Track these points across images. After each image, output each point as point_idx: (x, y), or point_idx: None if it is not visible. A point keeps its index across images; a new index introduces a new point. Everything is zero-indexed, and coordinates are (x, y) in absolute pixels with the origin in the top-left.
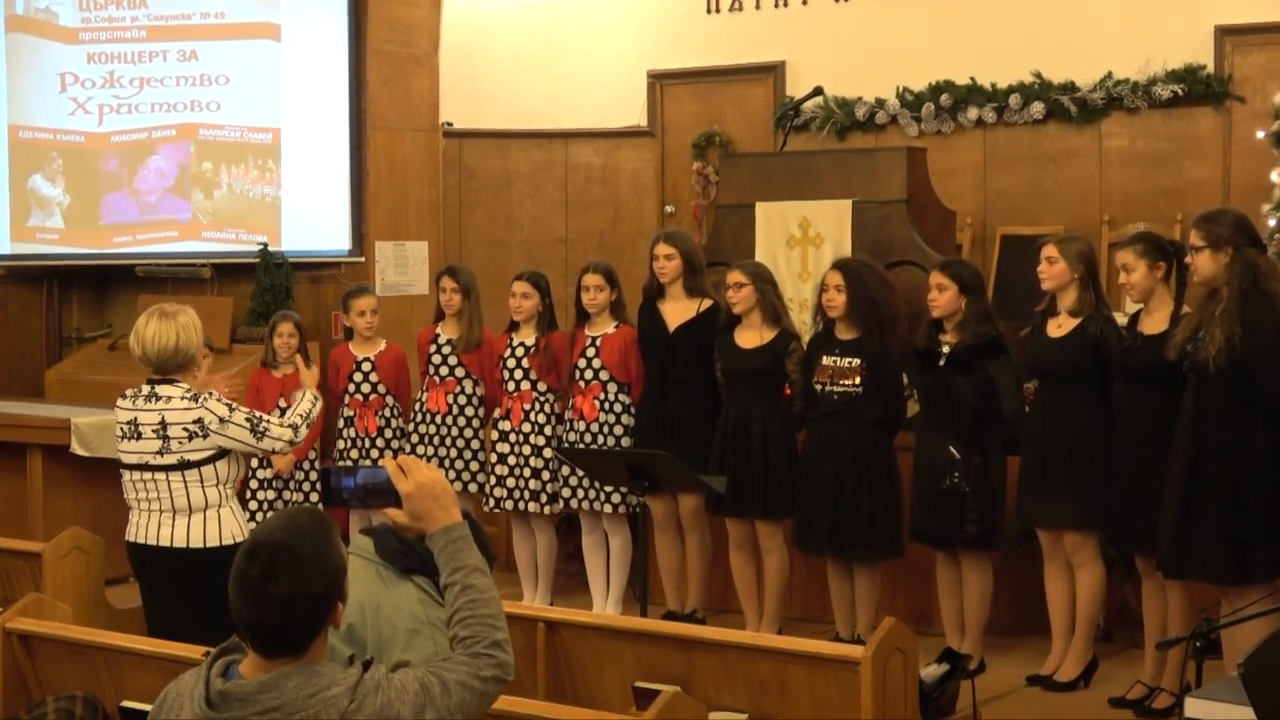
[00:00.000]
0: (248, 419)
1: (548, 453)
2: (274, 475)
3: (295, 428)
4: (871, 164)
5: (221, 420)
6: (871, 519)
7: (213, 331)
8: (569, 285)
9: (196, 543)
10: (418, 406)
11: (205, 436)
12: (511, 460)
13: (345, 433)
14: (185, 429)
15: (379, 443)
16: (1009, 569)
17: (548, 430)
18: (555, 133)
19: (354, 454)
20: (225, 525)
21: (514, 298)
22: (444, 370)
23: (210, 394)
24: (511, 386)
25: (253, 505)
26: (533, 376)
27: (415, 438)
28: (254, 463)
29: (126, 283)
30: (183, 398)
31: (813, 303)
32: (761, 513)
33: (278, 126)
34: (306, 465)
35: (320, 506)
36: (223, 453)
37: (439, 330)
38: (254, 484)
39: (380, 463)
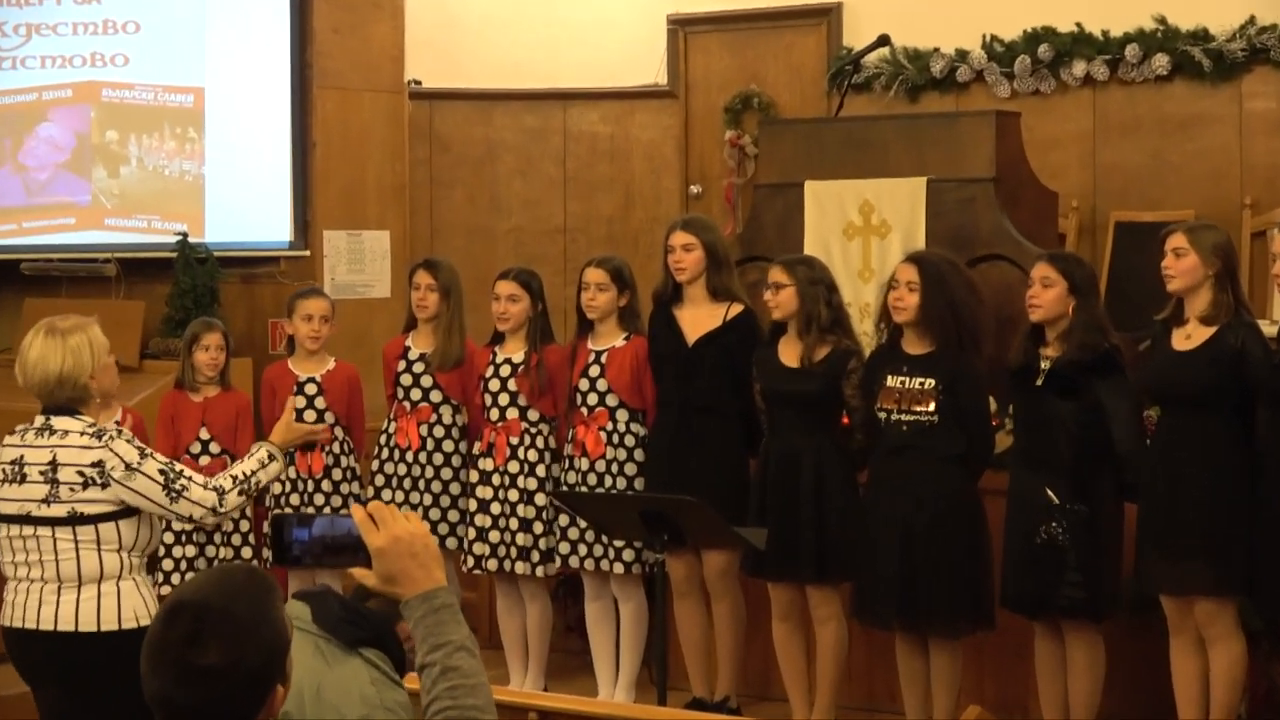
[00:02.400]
0: (162, 470)
1: (541, 499)
2: (193, 526)
3: (222, 492)
4: (951, 133)
5: (128, 467)
6: (951, 582)
7: (118, 343)
8: (569, 285)
9: (88, 625)
10: (383, 440)
11: (104, 486)
12: (495, 508)
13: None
14: (80, 472)
15: (325, 485)
16: (1125, 644)
17: (540, 470)
18: (551, 93)
19: (293, 499)
20: (127, 602)
21: (498, 301)
22: (416, 394)
23: (120, 432)
24: (495, 415)
25: (166, 564)
26: (521, 402)
27: (380, 479)
28: None
29: (10, 283)
30: (83, 433)
31: (876, 308)
32: (813, 574)
33: (200, 86)
34: (236, 513)
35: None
36: (129, 510)
37: (409, 342)
38: (167, 537)
39: (345, 511)
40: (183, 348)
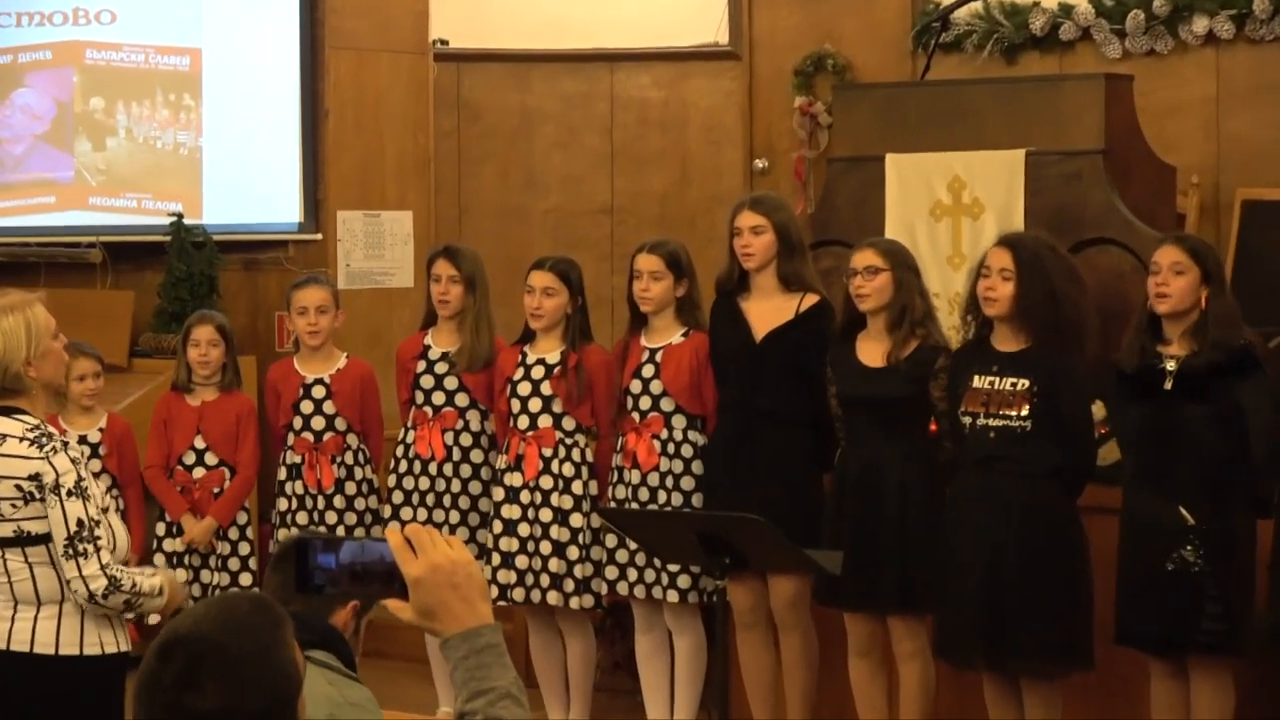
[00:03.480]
0: (81, 521)
1: (577, 519)
2: (188, 548)
3: (116, 586)
4: (1053, 99)
5: (56, 487)
6: (1044, 614)
7: (104, 340)
8: (617, 274)
9: (44, 647)
10: (400, 451)
11: (41, 500)
12: (524, 530)
13: (288, 487)
14: (18, 486)
15: (336, 501)
16: (1256, 683)
17: (577, 487)
18: (596, 54)
19: (300, 517)
20: (91, 626)
21: (531, 294)
22: (439, 397)
23: (66, 445)
24: (524, 422)
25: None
26: (556, 408)
27: (398, 495)
28: (158, 529)
29: None
30: (22, 438)
31: (966, 298)
32: (895, 604)
33: (198, 47)
34: (234, 534)
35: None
36: None
37: (429, 339)
38: (158, 559)
39: (368, 531)
40: (178, 344)
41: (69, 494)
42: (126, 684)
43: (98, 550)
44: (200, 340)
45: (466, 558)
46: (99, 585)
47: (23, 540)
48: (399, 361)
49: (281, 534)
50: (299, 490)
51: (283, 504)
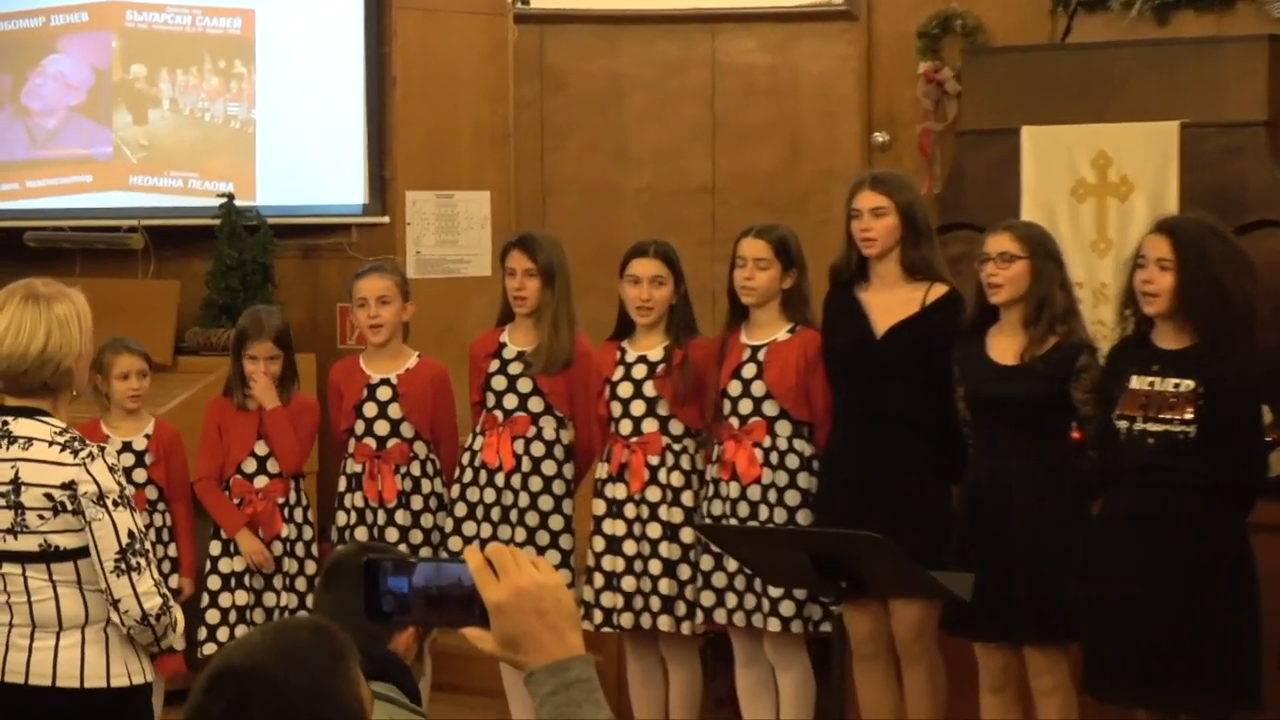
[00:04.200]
0: (132, 533)
1: (688, 535)
2: (246, 568)
3: (168, 603)
4: (1211, 63)
5: (100, 498)
6: (1208, 646)
7: (146, 335)
8: (716, 261)
9: (68, 680)
10: (467, 458)
11: (76, 513)
12: (629, 548)
13: (347, 500)
14: (48, 495)
15: (399, 517)
16: None
17: (687, 498)
18: (694, 14)
19: (359, 533)
20: (117, 654)
21: (637, 285)
22: (511, 401)
23: (100, 448)
24: (627, 428)
25: (211, 615)
26: (662, 411)
27: (461, 508)
28: (213, 547)
29: (10, 257)
30: (52, 443)
31: (1117, 289)
32: (1033, 633)
33: (251, 8)
34: (302, 550)
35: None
36: None
37: (504, 338)
38: (213, 581)
39: (462, 554)
40: (233, 345)
41: (116, 504)
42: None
43: (149, 564)
44: (260, 356)
45: (555, 581)
46: (154, 604)
47: (49, 555)
48: (472, 360)
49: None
50: (358, 503)
51: (341, 518)
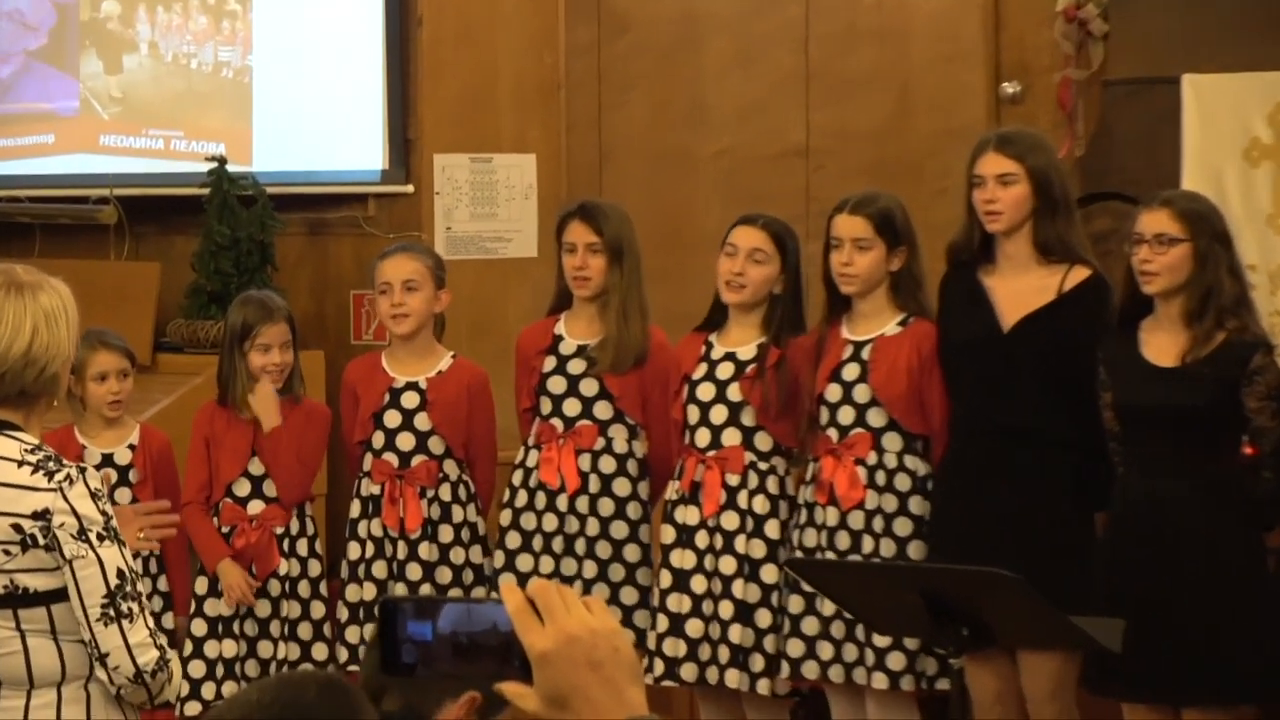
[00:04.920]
0: (122, 573)
1: (772, 573)
2: (237, 612)
3: (164, 658)
4: None
5: (81, 533)
6: None
7: (118, 328)
8: (812, 240)
9: None
10: (518, 478)
11: (50, 549)
12: (698, 585)
13: (361, 528)
14: (16, 526)
15: (423, 550)
16: None
17: (772, 529)
18: None
19: (376, 569)
20: (99, 715)
21: (733, 256)
22: (572, 407)
23: (79, 470)
24: (704, 438)
25: (195, 667)
26: (748, 421)
27: (514, 538)
28: (198, 585)
29: None
30: (23, 462)
31: None
32: (1198, 693)
33: None
34: (305, 589)
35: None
36: None
37: (561, 328)
38: (198, 626)
39: (499, 592)
40: (225, 342)
41: (101, 537)
42: None
43: (143, 610)
44: (273, 344)
45: (612, 626)
46: (149, 659)
47: (15, 599)
48: (520, 357)
49: (350, 591)
50: (375, 531)
51: (354, 550)
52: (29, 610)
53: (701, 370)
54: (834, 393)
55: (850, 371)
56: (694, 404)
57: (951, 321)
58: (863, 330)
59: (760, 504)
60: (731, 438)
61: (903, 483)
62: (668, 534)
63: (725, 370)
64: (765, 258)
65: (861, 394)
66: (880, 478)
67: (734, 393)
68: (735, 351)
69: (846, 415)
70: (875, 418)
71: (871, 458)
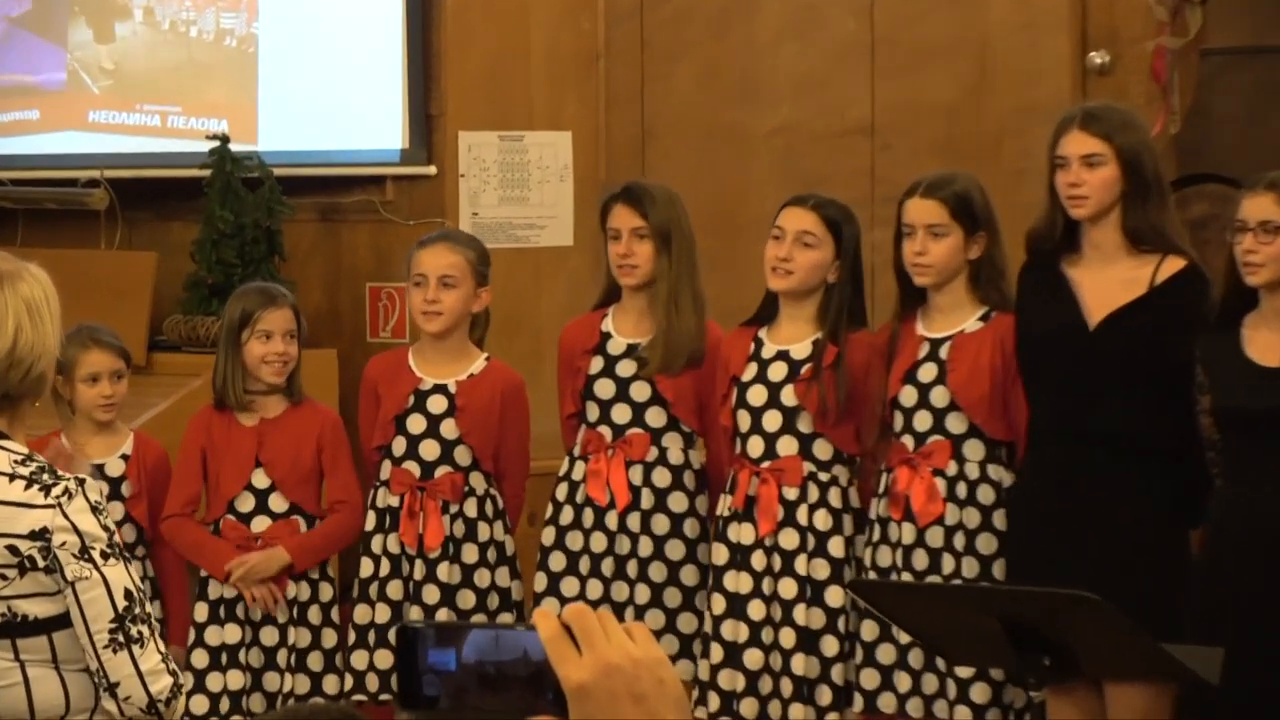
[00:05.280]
0: (129, 593)
1: (837, 595)
2: (242, 640)
3: (178, 684)
4: None
5: (85, 551)
6: None
7: (113, 325)
8: (878, 227)
9: None
10: (562, 492)
11: (50, 571)
12: (755, 611)
13: (375, 543)
14: (11, 548)
15: (443, 572)
16: None
17: (836, 546)
18: None
19: (391, 589)
20: None
21: (779, 240)
22: (621, 413)
23: (78, 482)
24: (757, 448)
25: (198, 704)
26: (804, 427)
27: (556, 560)
28: (198, 612)
29: None
30: (14, 475)
31: None
32: None
33: None
34: (315, 615)
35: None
36: None
37: (608, 324)
38: (199, 658)
39: (532, 618)
40: (223, 335)
41: (106, 555)
42: None
43: (153, 633)
44: (275, 331)
45: (656, 655)
46: (162, 686)
47: (14, 628)
48: (563, 358)
49: (360, 612)
50: (391, 548)
51: (366, 567)
52: (29, 639)
53: (751, 371)
54: (909, 396)
55: (927, 372)
56: (744, 409)
57: (1031, 316)
58: (940, 326)
59: (822, 519)
60: (787, 446)
61: (986, 495)
62: (720, 554)
63: (778, 371)
64: (816, 241)
65: (939, 397)
66: (961, 490)
67: (788, 396)
68: (788, 349)
69: (923, 421)
70: (955, 423)
71: (951, 468)
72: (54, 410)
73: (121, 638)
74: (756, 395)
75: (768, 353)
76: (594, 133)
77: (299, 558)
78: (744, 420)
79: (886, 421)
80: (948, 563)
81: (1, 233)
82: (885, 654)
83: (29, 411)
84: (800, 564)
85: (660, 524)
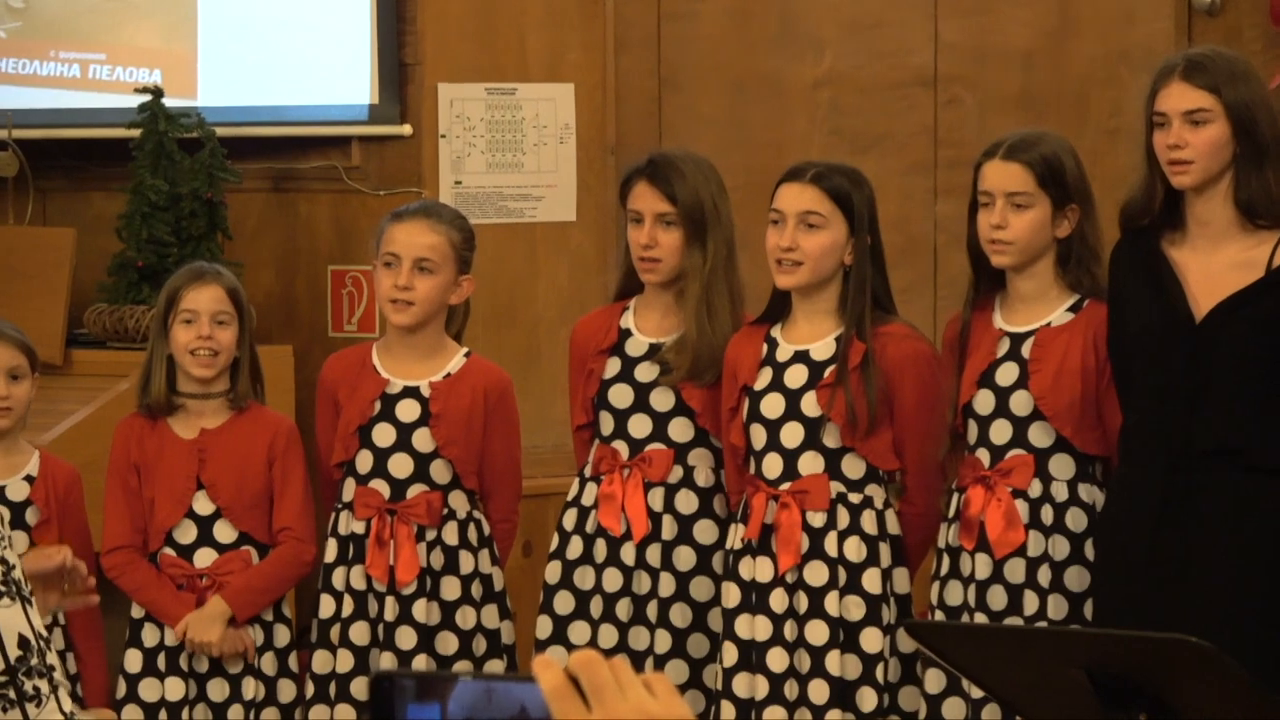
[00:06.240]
0: (31, 634)
1: (873, 639)
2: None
3: None
4: None
5: None
6: None
7: (23, 315)
8: (943, 197)
9: None
10: (571, 520)
11: None
12: (776, 661)
13: (337, 577)
14: None
15: (420, 611)
16: None
17: (871, 581)
18: None
19: (355, 633)
20: None
21: (779, 226)
22: (640, 426)
23: None
24: (774, 468)
25: (130, 714)
26: (829, 441)
27: (563, 601)
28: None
29: None
30: None
31: None
32: None
33: None
34: (270, 664)
35: None
36: None
37: (628, 320)
38: (131, 714)
39: (533, 666)
40: (153, 323)
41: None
42: None
43: (54, 689)
44: (199, 313)
45: (679, 712)
46: None
47: None
48: (574, 358)
49: (319, 660)
50: (356, 583)
51: (327, 606)
52: None
53: (765, 378)
54: (984, 402)
55: (1006, 374)
56: (758, 423)
57: (1125, 307)
58: (1022, 318)
59: (854, 549)
60: (811, 464)
61: (1076, 521)
62: (732, 596)
63: (796, 376)
64: (822, 221)
65: (1021, 404)
66: (1046, 514)
67: (810, 405)
68: (807, 349)
69: (1001, 432)
70: (1039, 435)
71: (1034, 488)
72: None
73: (13, 694)
74: (772, 406)
75: (783, 355)
76: (600, 84)
77: (239, 606)
78: (758, 436)
79: (958, 431)
80: (1030, 601)
81: None
82: (953, 710)
83: None
84: (830, 603)
85: (684, 558)
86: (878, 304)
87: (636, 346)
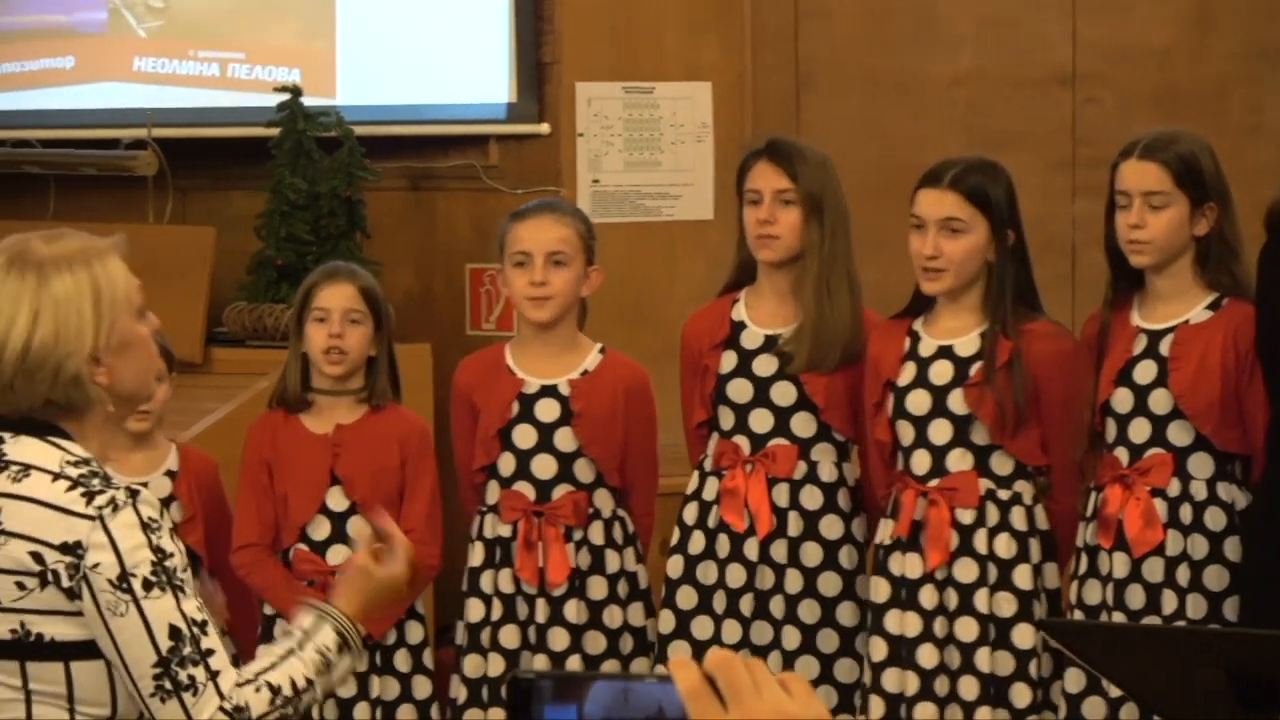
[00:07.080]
0: (184, 623)
1: (1026, 636)
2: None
3: (277, 703)
4: None
5: (121, 580)
6: None
7: (162, 314)
8: (1080, 196)
9: None
10: (691, 515)
11: (74, 595)
12: (926, 658)
13: (485, 581)
14: (36, 555)
15: (570, 611)
16: None
17: (1022, 578)
18: None
19: (505, 637)
20: None
21: (921, 232)
22: (761, 421)
23: (130, 493)
24: (922, 464)
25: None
26: (977, 438)
27: (685, 596)
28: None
29: None
30: (60, 474)
31: None
32: None
33: None
34: (404, 662)
35: None
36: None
37: (741, 312)
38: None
39: (669, 666)
40: (291, 321)
41: (149, 584)
42: None
43: (212, 676)
44: (331, 311)
45: (817, 712)
46: None
47: (24, 648)
48: (686, 354)
49: (470, 664)
50: (505, 586)
51: (475, 610)
52: (42, 664)
53: (909, 373)
54: (1123, 400)
55: (1145, 372)
56: (905, 419)
57: (1275, 304)
58: (1161, 316)
59: (1004, 546)
60: (960, 461)
61: (1215, 520)
62: (882, 591)
63: (942, 372)
64: (964, 225)
65: (1160, 402)
66: (1185, 514)
67: (957, 403)
68: (951, 344)
69: (1140, 430)
70: (1178, 433)
71: (1173, 487)
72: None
73: (169, 684)
74: (918, 402)
75: (926, 350)
76: (738, 83)
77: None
78: (905, 433)
79: (1097, 430)
80: (1169, 601)
81: (31, 203)
82: (1093, 709)
83: (100, 421)
84: (980, 600)
85: (811, 554)
86: (1023, 300)
87: (752, 339)
